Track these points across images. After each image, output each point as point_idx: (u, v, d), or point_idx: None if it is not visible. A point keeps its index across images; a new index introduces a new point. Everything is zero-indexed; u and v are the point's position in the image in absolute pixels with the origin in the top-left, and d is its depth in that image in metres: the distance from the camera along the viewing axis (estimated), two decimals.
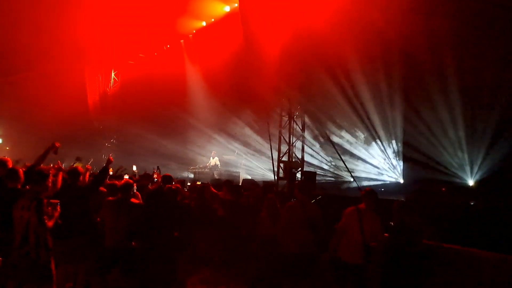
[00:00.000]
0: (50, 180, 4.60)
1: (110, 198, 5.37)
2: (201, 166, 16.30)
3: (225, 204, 6.23)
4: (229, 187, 6.65)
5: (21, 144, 20.01)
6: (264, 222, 5.82)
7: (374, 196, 5.10)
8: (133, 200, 5.37)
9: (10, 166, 5.12)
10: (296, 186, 5.66)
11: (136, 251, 5.13)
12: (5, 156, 5.53)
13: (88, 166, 7.30)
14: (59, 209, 4.57)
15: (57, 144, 5.74)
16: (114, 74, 24.05)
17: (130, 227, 5.09)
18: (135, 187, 5.87)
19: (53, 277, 4.30)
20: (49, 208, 4.38)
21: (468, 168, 11.23)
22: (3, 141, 22.80)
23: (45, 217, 4.26)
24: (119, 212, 5.09)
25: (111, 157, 6.44)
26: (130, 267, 5.07)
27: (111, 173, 8.01)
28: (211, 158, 15.89)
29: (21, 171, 4.85)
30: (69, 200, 4.86)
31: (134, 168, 13.66)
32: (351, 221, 4.99)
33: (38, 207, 4.22)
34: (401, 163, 13.04)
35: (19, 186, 4.75)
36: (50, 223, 4.34)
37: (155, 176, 8.23)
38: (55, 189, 4.95)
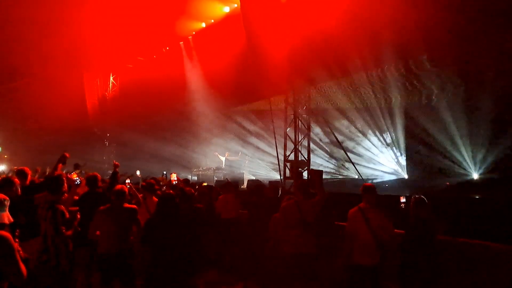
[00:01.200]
0: (65, 187, 4.60)
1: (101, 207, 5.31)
2: (204, 168, 16.33)
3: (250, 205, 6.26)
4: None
5: (20, 152, 19.96)
6: (278, 222, 5.83)
7: (374, 191, 4.98)
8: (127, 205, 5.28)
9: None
10: (295, 185, 5.56)
11: (137, 255, 5.11)
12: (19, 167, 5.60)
13: (74, 174, 7.34)
14: (78, 217, 4.58)
15: (67, 155, 5.85)
16: (113, 78, 24.00)
17: (122, 232, 5.03)
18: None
19: (74, 285, 4.32)
20: (67, 216, 4.38)
21: (472, 162, 11.30)
22: (1, 149, 22.69)
23: (62, 226, 4.26)
24: (110, 217, 5.00)
25: (116, 162, 6.52)
26: (128, 273, 5.01)
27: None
28: (220, 157, 15.86)
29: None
30: (89, 207, 4.88)
31: (138, 173, 13.62)
32: (357, 222, 4.85)
33: (54, 217, 4.21)
34: (404, 158, 13.11)
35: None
36: (68, 232, 4.35)
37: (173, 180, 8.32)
38: (73, 197, 4.94)
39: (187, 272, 4.62)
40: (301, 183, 5.55)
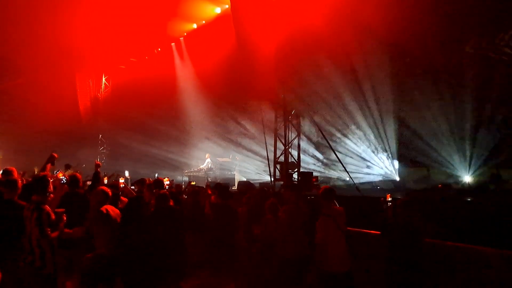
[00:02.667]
0: (50, 188, 4.51)
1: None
2: (196, 169, 16.21)
3: (213, 207, 6.16)
4: (218, 190, 6.58)
5: (13, 152, 19.76)
6: (269, 224, 5.74)
7: (333, 193, 4.95)
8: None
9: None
10: (290, 188, 5.50)
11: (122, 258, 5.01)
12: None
13: (60, 173, 7.25)
14: (64, 218, 4.48)
15: (55, 155, 5.88)
16: (105, 79, 23.85)
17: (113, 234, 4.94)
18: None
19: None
20: (53, 217, 4.31)
21: (464, 165, 11.27)
22: None
23: (47, 228, 4.18)
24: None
25: (97, 161, 6.47)
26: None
27: (105, 181, 7.94)
28: (207, 159, 15.80)
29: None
30: (72, 208, 4.79)
31: (127, 173, 13.48)
32: (330, 230, 4.73)
33: (39, 218, 4.14)
34: (395, 161, 13.06)
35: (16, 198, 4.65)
36: (54, 234, 4.28)
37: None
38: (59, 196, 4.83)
39: (165, 276, 4.51)
40: (296, 186, 5.55)
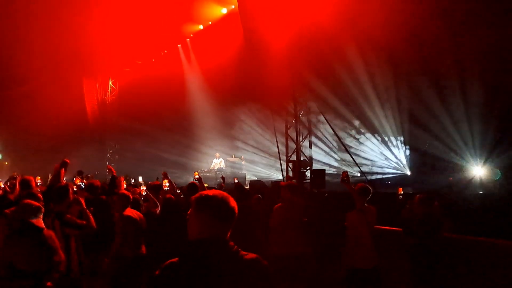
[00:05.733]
0: (70, 196, 4.59)
1: None
2: (206, 170, 16.27)
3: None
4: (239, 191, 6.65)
5: (21, 159, 19.92)
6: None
7: (369, 191, 4.97)
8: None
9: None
10: (286, 187, 5.42)
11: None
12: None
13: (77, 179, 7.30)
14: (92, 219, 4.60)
15: (67, 161, 5.75)
16: (112, 83, 23.98)
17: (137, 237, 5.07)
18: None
19: None
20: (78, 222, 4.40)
21: (474, 158, 11.24)
22: (2, 156, 22.62)
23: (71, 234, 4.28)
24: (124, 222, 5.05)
25: (110, 167, 6.47)
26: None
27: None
28: (215, 159, 15.84)
29: None
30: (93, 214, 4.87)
31: (140, 179, 13.51)
32: (358, 225, 4.83)
33: (62, 227, 4.22)
34: (407, 154, 13.05)
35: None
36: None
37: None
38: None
39: None
40: (292, 184, 5.54)
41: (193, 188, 6.11)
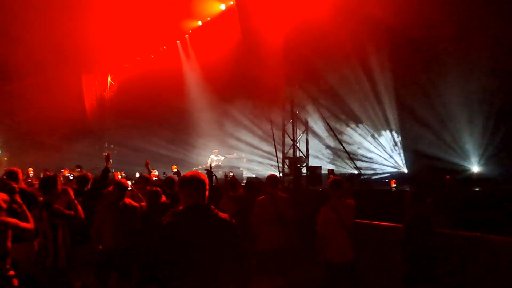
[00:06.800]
0: (59, 186, 4.57)
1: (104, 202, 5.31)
2: (203, 166, 16.25)
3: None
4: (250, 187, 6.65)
5: (19, 154, 19.93)
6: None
7: (341, 184, 4.92)
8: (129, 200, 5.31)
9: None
10: (267, 180, 5.44)
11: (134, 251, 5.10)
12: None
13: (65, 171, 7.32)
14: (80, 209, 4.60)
15: (109, 153, 6.35)
16: (111, 79, 23.98)
17: (129, 228, 5.05)
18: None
19: (71, 284, 4.30)
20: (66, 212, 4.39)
21: (471, 155, 11.21)
22: (1, 151, 22.64)
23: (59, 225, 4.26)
24: (118, 212, 5.03)
25: (109, 152, 6.58)
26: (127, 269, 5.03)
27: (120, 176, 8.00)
28: (213, 156, 15.83)
29: None
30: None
31: (137, 175, 13.53)
32: (331, 220, 4.77)
33: (50, 217, 4.21)
34: (403, 153, 13.01)
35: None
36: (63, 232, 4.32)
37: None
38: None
39: None
40: (272, 177, 5.52)
41: (169, 182, 6.20)
